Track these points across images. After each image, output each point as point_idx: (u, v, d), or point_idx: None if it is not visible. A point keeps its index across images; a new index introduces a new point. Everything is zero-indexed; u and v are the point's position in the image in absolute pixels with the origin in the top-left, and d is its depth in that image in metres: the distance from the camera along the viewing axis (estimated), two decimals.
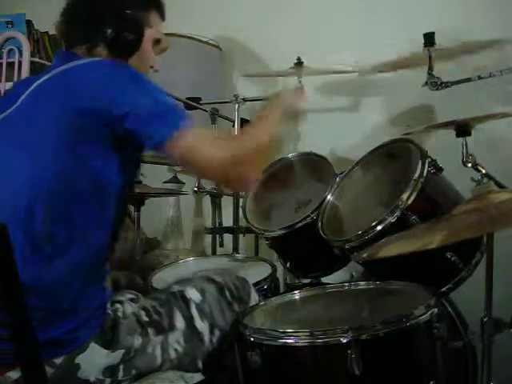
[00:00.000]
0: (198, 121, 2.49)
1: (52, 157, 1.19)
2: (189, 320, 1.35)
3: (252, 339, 1.28)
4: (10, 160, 1.23)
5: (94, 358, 1.20)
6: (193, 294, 1.38)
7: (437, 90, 1.96)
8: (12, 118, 1.27)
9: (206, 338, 1.36)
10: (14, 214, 1.18)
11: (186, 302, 1.37)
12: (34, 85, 1.28)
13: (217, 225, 2.49)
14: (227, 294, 1.43)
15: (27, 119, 1.25)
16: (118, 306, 1.28)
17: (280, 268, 2.04)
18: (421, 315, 1.24)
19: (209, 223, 2.53)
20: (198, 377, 1.32)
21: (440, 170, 1.64)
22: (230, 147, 1.25)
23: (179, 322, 1.33)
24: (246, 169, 1.25)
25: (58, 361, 1.17)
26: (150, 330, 1.29)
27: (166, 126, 1.20)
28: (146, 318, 1.30)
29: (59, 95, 1.23)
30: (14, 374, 1.13)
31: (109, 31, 1.34)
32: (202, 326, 1.35)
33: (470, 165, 1.58)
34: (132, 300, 1.33)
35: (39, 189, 1.18)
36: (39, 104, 1.25)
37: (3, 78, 2.44)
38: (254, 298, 1.50)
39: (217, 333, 1.38)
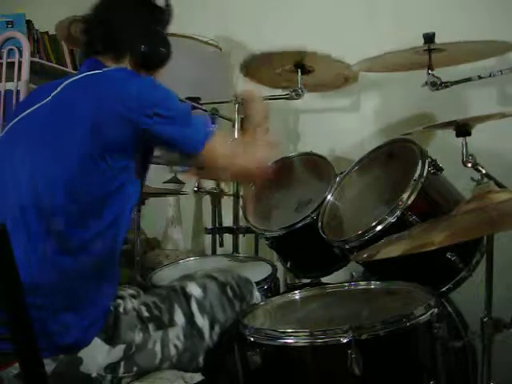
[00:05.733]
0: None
1: (78, 155, 1.23)
2: (189, 316, 1.35)
3: (252, 339, 1.28)
4: (32, 155, 1.26)
5: (96, 353, 1.21)
6: (194, 290, 1.39)
7: (437, 90, 1.96)
8: (39, 114, 1.32)
9: (207, 334, 1.36)
10: (27, 208, 1.21)
11: (187, 297, 1.37)
12: (64, 84, 1.33)
13: (217, 225, 2.49)
14: (229, 291, 1.43)
15: (57, 116, 1.29)
16: (119, 301, 1.29)
17: (280, 268, 2.04)
18: (421, 315, 1.24)
19: (209, 223, 2.54)
20: (198, 377, 1.32)
21: (440, 169, 1.64)
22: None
23: (179, 317, 1.34)
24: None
25: (61, 355, 1.18)
26: (150, 326, 1.29)
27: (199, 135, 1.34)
28: (146, 314, 1.30)
29: (98, 98, 1.27)
30: (16, 369, 1.14)
31: (143, 46, 1.41)
32: (202, 322, 1.36)
33: (469, 165, 1.58)
34: (133, 296, 1.33)
35: (59, 187, 1.22)
36: (74, 102, 1.29)
37: (3, 78, 2.44)
38: (257, 296, 1.51)
39: (217, 329, 1.38)
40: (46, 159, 1.24)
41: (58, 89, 1.33)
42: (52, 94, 1.33)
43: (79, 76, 1.35)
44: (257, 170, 1.45)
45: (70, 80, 1.34)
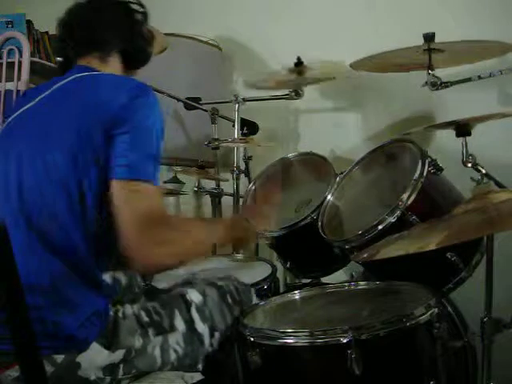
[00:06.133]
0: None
1: (68, 158, 1.22)
2: (189, 322, 1.35)
3: (252, 339, 1.28)
4: (27, 156, 1.27)
5: (95, 358, 1.20)
6: (194, 297, 1.38)
7: (437, 90, 1.95)
8: (29, 114, 1.33)
9: (206, 340, 1.36)
10: (20, 209, 1.22)
11: (187, 303, 1.37)
12: (54, 87, 1.34)
13: None
14: (229, 298, 1.43)
15: (48, 117, 1.30)
16: (118, 306, 1.28)
17: (280, 268, 2.04)
18: (421, 315, 1.24)
19: None
20: (198, 376, 1.32)
21: (440, 169, 1.63)
22: (165, 223, 1.24)
23: (179, 323, 1.33)
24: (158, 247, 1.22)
25: (59, 359, 1.18)
26: (150, 331, 1.29)
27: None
28: (146, 319, 1.30)
29: (85, 103, 1.27)
30: (14, 372, 1.13)
31: (129, 44, 1.42)
32: (202, 328, 1.35)
33: (470, 165, 1.58)
34: (133, 301, 1.33)
35: (52, 189, 1.22)
36: (61, 105, 1.30)
37: (3, 78, 2.44)
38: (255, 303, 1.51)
39: (217, 336, 1.38)
40: (39, 161, 1.24)
41: (48, 91, 1.35)
42: (42, 96, 1.34)
43: (69, 79, 1.35)
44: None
45: (60, 83, 1.35)
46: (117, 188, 1.21)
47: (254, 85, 2.52)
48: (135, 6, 1.46)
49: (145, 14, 1.48)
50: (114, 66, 1.43)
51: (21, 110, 1.36)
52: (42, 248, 1.21)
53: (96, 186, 1.23)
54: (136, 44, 1.45)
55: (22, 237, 1.21)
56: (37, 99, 1.35)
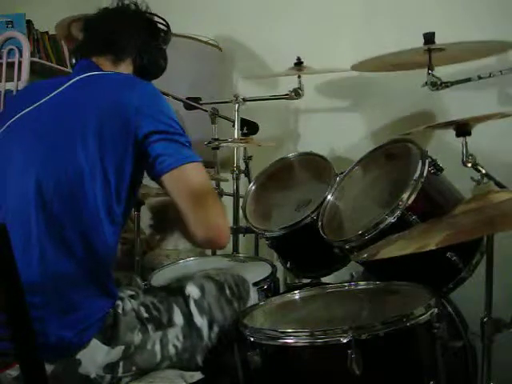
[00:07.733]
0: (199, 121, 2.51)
1: (79, 159, 1.23)
2: (187, 316, 1.35)
3: (252, 339, 1.28)
4: (32, 153, 1.26)
5: (95, 354, 1.21)
6: (192, 291, 1.39)
7: (437, 89, 1.96)
8: (41, 113, 1.32)
9: (205, 334, 1.36)
10: (28, 209, 1.21)
11: (185, 298, 1.38)
12: (66, 84, 1.34)
13: None
14: (227, 291, 1.43)
15: (59, 118, 1.29)
16: (118, 302, 1.29)
17: (280, 268, 2.04)
18: (421, 315, 1.24)
19: None
20: (198, 375, 1.32)
21: (440, 169, 1.63)
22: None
23: (178, 317, 1.34)
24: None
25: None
26: (150, 326, 1.29)
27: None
28: (145, 314, 1.31)
29: (100, 103, 1.28)
30: (14, 371, 1.13)
31: (144, 55, 1.47)
32: (200, 322, 1.36)
33: (470, 165, 1.58)
34: (132, 297, 1.33)
35: (60, 190, 1.22)
36: (77, 104, 1.30)
37: (3, 78, 2.44)
38: (254, 296, 1.51)
39: (216, 329, 1.38)
40: (48, 161, 1.24)
41: (60, 89, 1.34)
42: (53, 94, 1.33)
43: (81, 76, 1.35)
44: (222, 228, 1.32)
45: (73, 80, 1.35)
46: (166, 182, 1.29)
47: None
48: (159, 21, 1.53)
49: (167, 33, 1.54)
50: (124, 70, 1.45)
51: (23, 112, 1.33)
52: (56, 249, 1.20)
53: (115, 190, 1.25)
54: (150, 56, 1.48)
55: (40, 237, 1.20)
56: (42, 100, 1.33)
